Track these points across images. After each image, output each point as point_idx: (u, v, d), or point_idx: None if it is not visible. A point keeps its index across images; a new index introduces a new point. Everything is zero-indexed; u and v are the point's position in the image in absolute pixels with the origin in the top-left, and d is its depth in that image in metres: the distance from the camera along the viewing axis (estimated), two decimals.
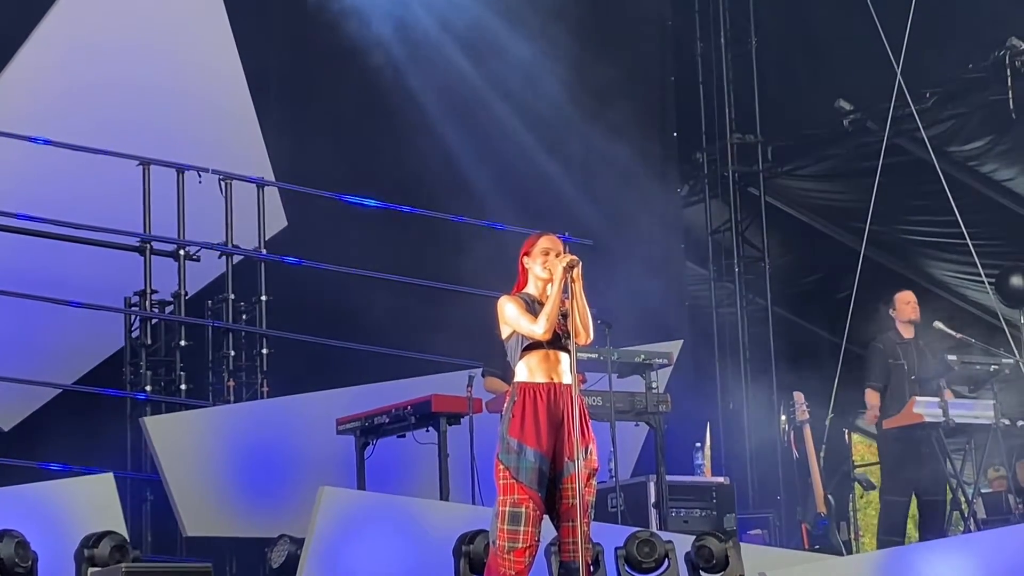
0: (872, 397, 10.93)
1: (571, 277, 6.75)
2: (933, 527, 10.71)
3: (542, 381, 6.75)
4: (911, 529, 11.61)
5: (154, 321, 11.22)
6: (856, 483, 13.53)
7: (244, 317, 11.46)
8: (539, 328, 6.73)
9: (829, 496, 11.00)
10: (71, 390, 11.17)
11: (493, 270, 11.19)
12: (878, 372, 10.99)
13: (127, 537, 8.02)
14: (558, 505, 6.72)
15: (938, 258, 14.83)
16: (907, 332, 11.06)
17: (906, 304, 11.09)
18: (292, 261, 11.69)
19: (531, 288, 6.92)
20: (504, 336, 6.87)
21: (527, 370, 6.78)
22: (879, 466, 11.15)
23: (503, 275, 7.35)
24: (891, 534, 10.67)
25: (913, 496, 10.79)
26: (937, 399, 10.59)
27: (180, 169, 11.28)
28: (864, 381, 11.05)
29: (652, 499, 9.86)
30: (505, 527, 6.62)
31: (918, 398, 10.63)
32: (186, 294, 11.29)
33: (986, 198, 13.92)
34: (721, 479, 10.61)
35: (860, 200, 13.61)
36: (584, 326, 6.79)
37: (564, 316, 6.78)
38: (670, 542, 8.32)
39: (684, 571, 8.35)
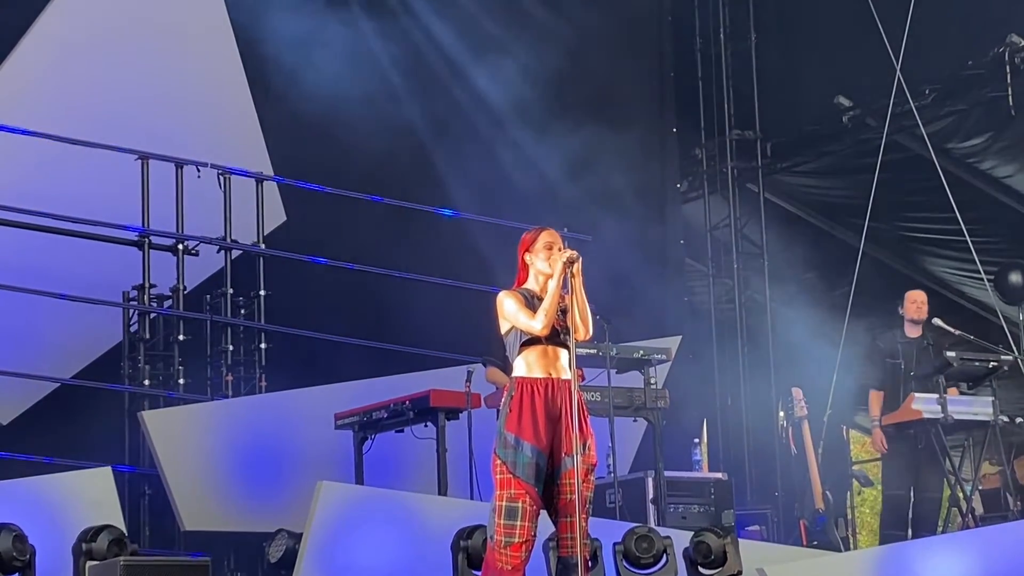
0: (874, 398, 10.91)
1: (571, 273, 6.74)
2: (926, 525, 10.71)
3: (540, 376, 6.74)
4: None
5: (152, 315, 11.22)
6: (854, 479, 13.54)
7: (243, 312, 11.46)
8: (538, 323, 6.72)
9: (827, 492, 10.99)
10: (69, 384, 11.16)
11: (492, 265, 11.20)
12: (877, 372, 10.97)
13: (125, 531, 8.03)
14: (556, 501, 6.71)
15: (937, 255, 14.82)
16: (912, 331, 11.04)
17: (911, 303, 11.07)
18: (291, 256, 11.69)
19: (531, 283, 6.90)
20: (503, 331, 6.86)
21: (525, 365, 6.77)
22: (880, 461, 11.12)
23: (502, 270, 7.35)
24: (895, 528, 10.66)
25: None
26: (936, 395, 10.58)
27: (179, 163, 11.27)
28: (866, 382, 11.04)
29: (650, 495, 9.85)
30: (502, 522, 6.62)
31: (917, 394, 10.62)
32: (184, 288, 11.28)
33: (985, 195, 13.91)
34: (719, 475, 10.60)
35: (859, 197, 13.62)
36: (583, 322, 6.78)
37: (563, 312, 6.76)
38: (668, 538, 8.32)
39: (682, 567, 8.35)
